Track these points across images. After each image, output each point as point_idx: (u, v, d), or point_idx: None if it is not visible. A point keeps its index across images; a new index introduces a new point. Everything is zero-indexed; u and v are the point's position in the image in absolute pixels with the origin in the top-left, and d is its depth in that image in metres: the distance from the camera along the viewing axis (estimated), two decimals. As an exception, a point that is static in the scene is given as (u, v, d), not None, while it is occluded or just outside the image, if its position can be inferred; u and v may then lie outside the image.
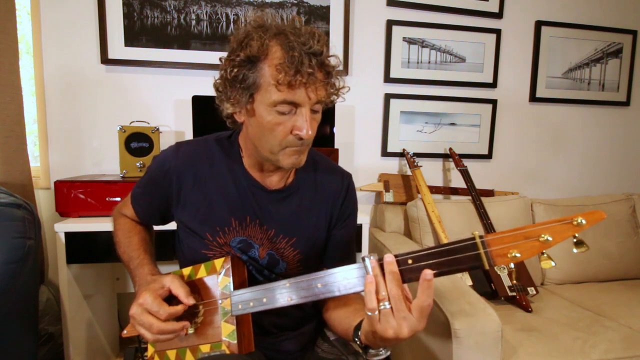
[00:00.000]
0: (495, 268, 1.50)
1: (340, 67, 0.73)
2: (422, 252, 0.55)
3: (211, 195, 0.78)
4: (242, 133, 0.81)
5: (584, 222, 0.47)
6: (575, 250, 0.49)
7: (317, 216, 0.83)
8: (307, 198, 0.83)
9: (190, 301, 0.68)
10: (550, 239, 0.48)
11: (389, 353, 0.62)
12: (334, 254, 0.87)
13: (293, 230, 0.81)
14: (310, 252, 0.83)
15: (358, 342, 0.65)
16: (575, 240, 0.48)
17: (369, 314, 0.55)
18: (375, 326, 0.55)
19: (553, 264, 0.50)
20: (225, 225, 0.78)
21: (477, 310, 1.07)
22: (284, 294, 0.64)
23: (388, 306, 0.54)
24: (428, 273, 0.52)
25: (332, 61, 0.69)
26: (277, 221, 0.80)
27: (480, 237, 0.52)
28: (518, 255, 0.49)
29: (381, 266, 0.56)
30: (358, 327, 0.65)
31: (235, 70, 0.67)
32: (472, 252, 0.52)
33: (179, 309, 0.67)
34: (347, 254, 0.88)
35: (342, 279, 0.60)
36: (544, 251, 0.49)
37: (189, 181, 0.78)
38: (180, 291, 0.68)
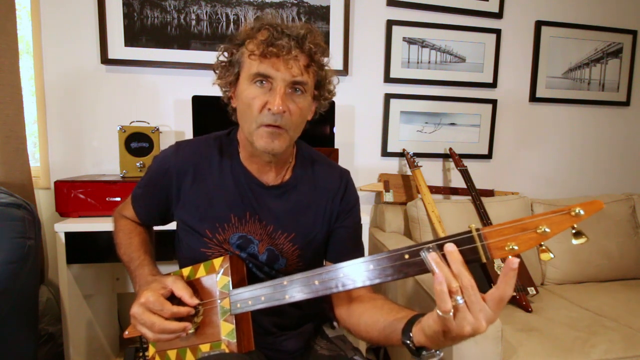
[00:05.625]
0: (495, 267, 1.50)
1: (327, 59, 0.77)
2: (419, 247, 0.54)
3: (210, 192, 0.79)
4: (239, 128, 0.81)
5: (582, 212, 0.45)
6: (574, 242, 0.47)
7: (315, 212, 0.83)
8: (305, 194, 0.83)
9: (194, 301, 0.68)
10: (548, 230, 0.47)
11: (442, 353, 0.58)
12: (342, 246, 0.86)
13: (291, 226, 0.81)
14: (308, 247, 0.83)
15: (410, 345, 0.59)
16: (573, 231, 0.47)
17: (442, 314, 0.50)
18: (449, 325, 0.50)
19: (552, 255, 0.49)
20: (225, 222, 0.78)
21: (477, 310, 1.06)
22: (282, 291, 0.63)
23: (461, 301, 0.49)
24: (515, 261, 0.47)
25: (314, 46, 0.71)
26: (275, 217, 0.80)
27: (477, 229, 0.51)
28: (516, 247, 0.48)
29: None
30: (407, 329, 0.60)
31: (224, 48, 0.75)
32: (469, 245, 0.51)
33: (182, 309, 0.67)
34: (355, 245, 0.88)
35: (341, 275, 0.59)
36: (542, 243, 0.48)
37: (188, 179, 0.79)
38: (183, 292, 0.68)
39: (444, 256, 0.52)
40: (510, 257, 0.48)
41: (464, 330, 0.50)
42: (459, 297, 0.49)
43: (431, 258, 0.52)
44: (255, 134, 0.72)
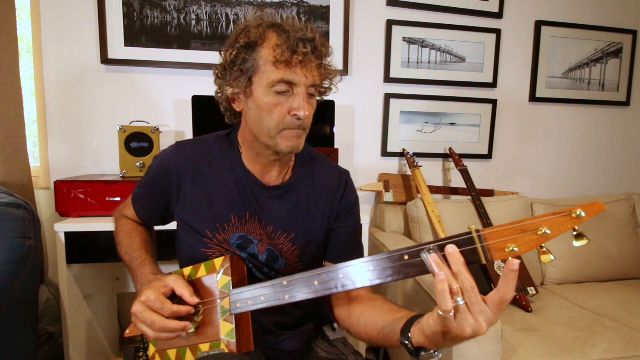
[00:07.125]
0: (495, 268, 1.50)
1: (333, 56, 0.77)
2: (419, 248, 0.54)
3: (211, 192, 0.79)
4: (240, 129, 0.82)
5: (583, 214, 0.45)
6: (575, 244, 0.47)
7: (314, 212, 0.83)
8: (305, 194, 0.83)
9: (195, 300, 0.68)
10: (548, 232, 0.47)
11: (441, 354, 0.58)
12: (341, 246, 0.86)
13: (291, 226, 0.81)
14: (308, 248, 0.83)
15: (409, 345, 0.59)
16: (575, 233, 0.47)
17: (443, 314, 0.50)
18: (449, 326, 0.51)
19: (552, 257, 0.49)
20: (225, 222, 0.78)
21: (477, 310, 1.06)
22: (282, 292, 0.63)
23: (462, 302, 0.49)
24: (515, 263, 0.47)
25: (325, 49, 0.73)
26: (275, 217, 0.80)
27: (477, 231, 0.51)
28: (516, 249, 0.48)
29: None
30: (406, 329, 0.60)
31: (235, 53, 0.71)
32: (469, 246, 0.51)
33: (182, 308, 0.67)
34: (355, 245, 0.88)
35: (341, 276, 0.59)
36: (542, 245, 0.48)
37: (188, 179, 0.79)
38: (184, 291, 0.68)
39: (444, 257, 0.52)
40: (510, 258, 0.48)
41: (464, 332, 0.50)
42: (459, 299, 0.49)
43: (432, 260, 0.52)
44: (280, 136, 0.72)
